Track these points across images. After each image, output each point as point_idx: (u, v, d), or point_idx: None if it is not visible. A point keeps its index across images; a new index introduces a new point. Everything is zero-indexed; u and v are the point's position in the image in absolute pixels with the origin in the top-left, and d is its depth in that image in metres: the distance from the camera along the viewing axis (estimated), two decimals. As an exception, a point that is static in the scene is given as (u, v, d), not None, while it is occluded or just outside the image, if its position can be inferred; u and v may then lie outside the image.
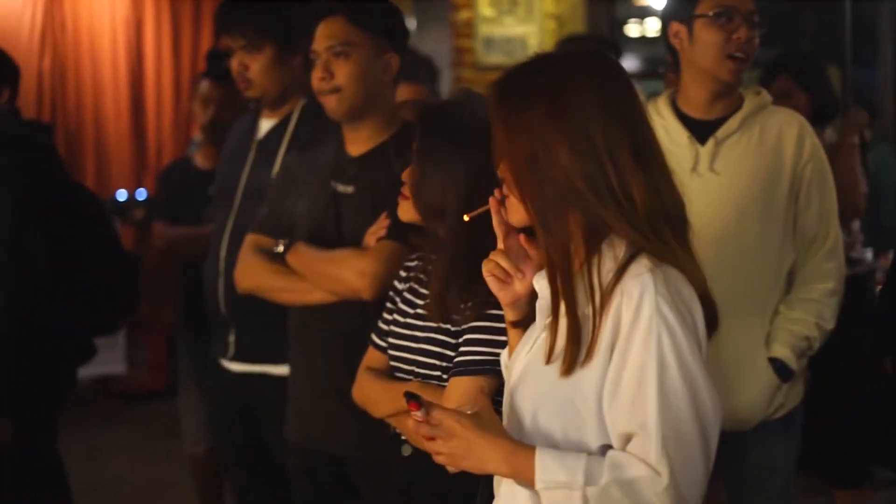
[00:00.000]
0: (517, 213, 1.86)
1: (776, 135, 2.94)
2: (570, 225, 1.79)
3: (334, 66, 2.90)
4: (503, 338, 2.12)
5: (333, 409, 2.85)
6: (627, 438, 1.75)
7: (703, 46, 2.91)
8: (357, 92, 2.89)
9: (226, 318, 3.41)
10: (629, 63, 8.97)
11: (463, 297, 2.28)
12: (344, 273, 2.80)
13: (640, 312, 1.73)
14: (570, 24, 6.92)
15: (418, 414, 1.80)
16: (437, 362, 2.33)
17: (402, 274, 2.55)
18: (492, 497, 1.98)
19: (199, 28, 8.14)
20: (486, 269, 1.95)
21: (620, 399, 1.75)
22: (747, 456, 2.99)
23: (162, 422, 6.43)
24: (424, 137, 2.36)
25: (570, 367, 1.77)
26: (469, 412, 1.83)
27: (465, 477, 1.93)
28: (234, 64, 3.39)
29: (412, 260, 2.54)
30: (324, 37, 2.92)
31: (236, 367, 3.42)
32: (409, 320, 2.43)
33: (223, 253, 3.41)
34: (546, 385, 1.82)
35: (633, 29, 10.08)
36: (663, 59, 3.99)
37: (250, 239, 3.06)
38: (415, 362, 2.38)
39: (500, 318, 2.10)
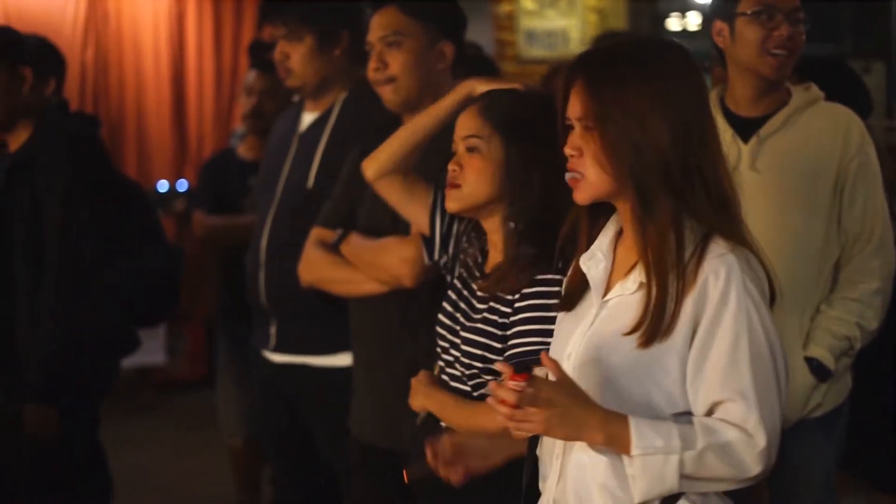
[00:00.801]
0: (590, 190, 1.95)
1: (822, 130, 2.92)
2: (661, 204, 1.90)
3: (388, 55, 2.91)
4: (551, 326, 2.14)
5: (389, 404, 2.85)
6: (714, 406, 1.87)
7: (744, 43, 2.90)
8: (411, 81, 2.90)
9: (266, 310, 3.42)
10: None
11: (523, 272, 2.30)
12: (387, 260, 2.81)
13: (728, 290, 1.86)
14: (612, 18, 6.89)
15: (520, 384, 1.83)
16: (493, 343, 2.32)
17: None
18: (536, 476, 2.02)
19: (241, 20, 8.17)
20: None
21: (710, 370, 1.87)
22: (786, 454, 2.97)
23: (200, 412, 6.47)
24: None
25: (649, 339, 1.88)
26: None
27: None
28: (276, 53, 3.41)
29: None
30: (377, 27, 2.93)
31: (277, 357, 3.43)
32: (461, 303, 2.43)
33: (264, 244, 3.43)
34: (620, 357, 1.91)
35: (674, 23, 10.04)
36: (704, 54, 3.97)
37: (315, 233, 3.08)
38: (468, 342, 2.36)
39: (553, 283, 2.22)
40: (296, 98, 3.70)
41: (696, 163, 1.90)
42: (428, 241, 2.67)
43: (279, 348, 3.41)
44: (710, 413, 1.87)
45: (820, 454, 3.00)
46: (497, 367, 1.88)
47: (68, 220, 3.43)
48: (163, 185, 7.43)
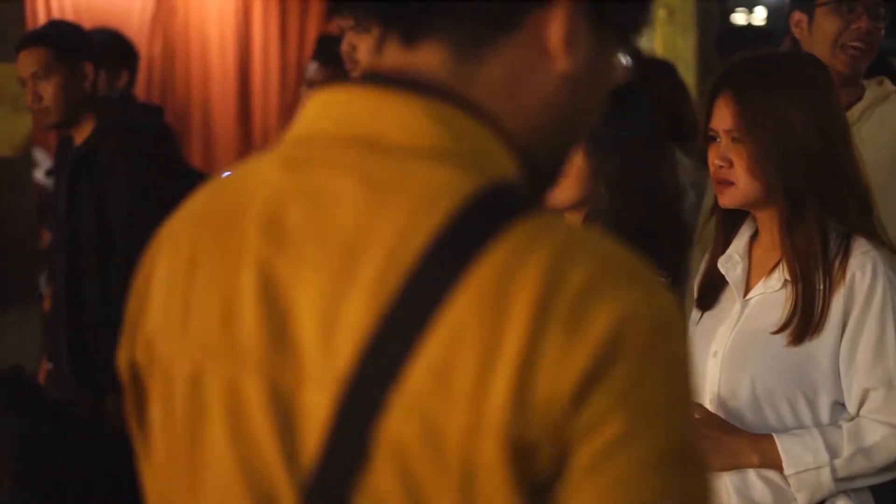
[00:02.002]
0: (740, 198, 2.05)
1: None
2: (809, 207, 2.01)
3: None
4: None
5: None
6: (865, 394, 1.98)
7: (821, 35, 2.85)
8: None
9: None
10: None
11: None
12: None
13: (875, 284, 2.00)
14: (680, 13, 6.83)
15: None
16: None
17: None
18: None
19: (307, 14, 8.19)
20: None
21: (859, 360, 1.98)
22: None
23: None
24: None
25: (800, 336, 1.99)
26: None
27: None
28: (344, 44, 3.40)
29: None
30: None
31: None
32: None
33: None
34: (769, 353, 2.01)
35: (740, 17, 9.94)
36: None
37: None
38: None
39: None
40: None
41: (840, 166, 2.00)
42: None
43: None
44: (862, 402, 1.98)
45: None
46: None
47: (133, 211, 3.46)
48: (228, 178, 7.47)
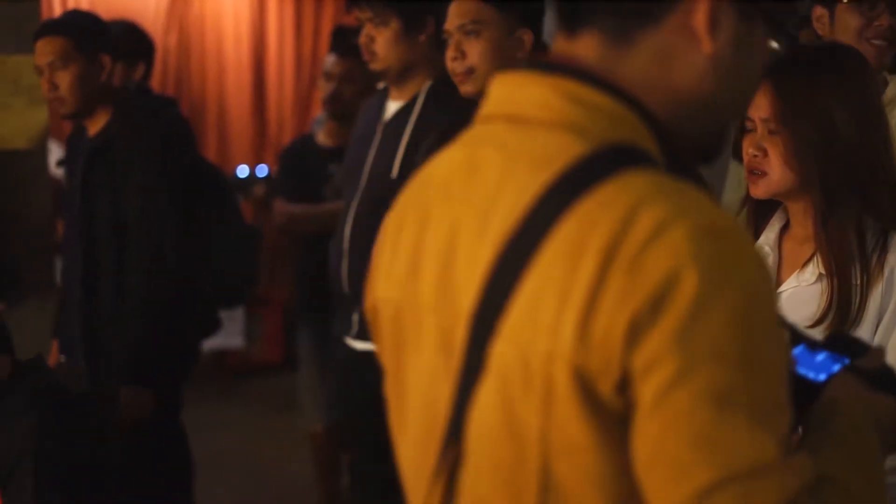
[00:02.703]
0: (773, 188, 2.03)
1: None
2: (846, 200, 1.99)
3: (466, 45, 2.87)
4: None
5: None
6: None
7: (843, 31, 2.84)
8: (489, 71, 2.86)
9: (349, 297, 3.42)
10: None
11: None
12: None
13: None
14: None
15: None
16: None
17: None
18: None
19: (321, 6, 8.18)
20: None
21: (890, 351, 1.91)
22: None
23: (278, 396, 6.51)
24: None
25: (836, 330, 1.96)
26: None
27: None
28: (362, 36, 3.41)
29: None
30: (455, 15, 2.90)
31: (360, 345, 3.43)
32: None
33: (348, 232, 3.42)
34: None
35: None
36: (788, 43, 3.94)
37: None
38: None
39: None
40: (379, 85, 3.68)
41: (878, 161, 1.98)
42: None
43: (361, 335, 3.41)
44: None
45: None
46: None
47: (147, 202, 3.47)
48: (242, 171, 7.46)
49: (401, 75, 3.40)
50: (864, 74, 2.04)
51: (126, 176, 3.48)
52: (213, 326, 3.86)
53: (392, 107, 3.46)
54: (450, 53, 2.90)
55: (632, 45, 1.15)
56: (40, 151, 4.42)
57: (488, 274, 1.11)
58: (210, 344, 4.19)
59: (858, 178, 1.97)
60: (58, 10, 7.07)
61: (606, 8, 1.15)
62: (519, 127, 1.17)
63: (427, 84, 3.38)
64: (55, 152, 5.52)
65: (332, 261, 3.50)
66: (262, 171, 7.43)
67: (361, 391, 3.45)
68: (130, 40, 4.34)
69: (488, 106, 1.24)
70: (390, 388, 1.29)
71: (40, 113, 4.28)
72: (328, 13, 8.13)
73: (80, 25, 3.56)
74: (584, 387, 1.05)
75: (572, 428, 1.06)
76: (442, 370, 1.17)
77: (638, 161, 1.10)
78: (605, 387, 1.05)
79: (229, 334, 6.78)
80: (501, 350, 1.10)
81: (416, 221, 1.23)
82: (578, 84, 1.14)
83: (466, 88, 2.90)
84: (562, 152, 1.11)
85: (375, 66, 3.41)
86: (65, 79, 3.46)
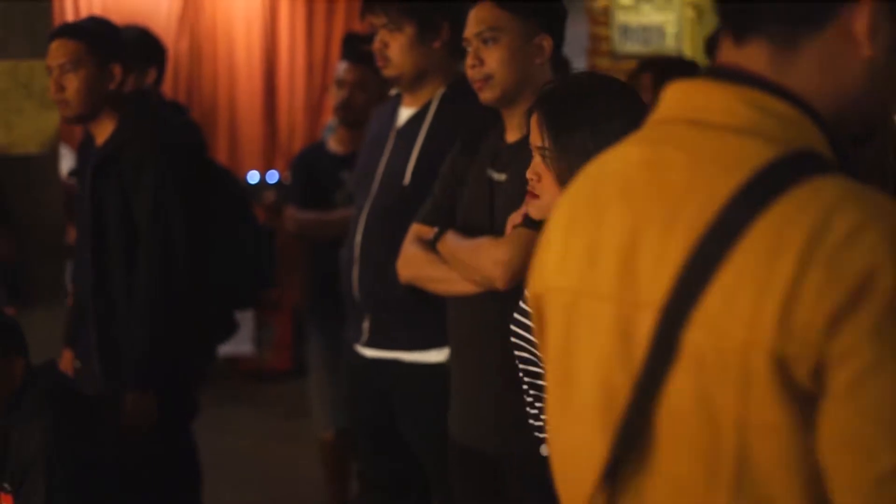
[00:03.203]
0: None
1: None
2: None
3: (484, 52, 2.86)
4: None
5: (481, 402, 2.83)
6: None
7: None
8: (507, 78, 2.85)
9: (360, 304, 3.42)
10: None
11: None
12: (480, 262, 2.78)
13: None
14: (709, 13, 6.79)
15: None
16: None
17: None
18: None
19: (333, 13, 8.20)
20: None
21: None
22: None
23: (288, 402, 6.51)
24: (553, 125, 2.31)
25: None
26: None
27: None
28: (376, 42, 3.39)
29: None
30: (473, 23, 2.89)
31: (370, 352, 3.42)
32: None
33: (359, 239, 3.42)
34: None
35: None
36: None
37: (414, 229, 3.06)
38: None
39: None
40: (392, 92, 3.68)
41: None
42: None
43: (372, 343, 3.40)
44: None
45: None
46: None
47: (158, 207, 3.48)
48: (253, 176, 7.47)
49: (414, 81, 3.39)
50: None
51: (135, 182, 3.49)
52: (231, 329, 3.86)
53: (405, 113, 3.45)
54: (469, 61, 2.89)
55: (797, 51, 1.25)
56: (51, 156, 4.43)
57: (681, 268, 1.21)
58: (221, 349, 4.20)
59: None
60: (70, 15, 7.09)
61: (774, 16, 1.25)
62: (704, 131, 1.26)
63: (440, 91, 3.37)
64: (66, 157, 5.53)
65: (343, 268, 3.50)
66: (273, 176, 7.44)
67: (371, 398, 3.45)
68: (142, 46, 4.35)
69: (665, 109, 1.32)
70: (553, 372, 1.37)
71: (52, 117, 4.28)
72: (339, 19, 8.14)
73: (95, 31, 3.57)
74: (782, 372, 1.15)
75: (768, 410, 1.16)
76: (618, 355, 1.27)
77: (824, 168, 1.20)
78: (801, 372, 1.15)
79: (239, 340, 6.78)
80: (696, 338, 1.19)
81: (590, 215, 1.33)
82: (759, 92, 1.25)
83: (485, 95, 2.89)
84: (752, 156, 1.21)
85: (389, 71, 3.40)
86: (73, 82, 3.47)
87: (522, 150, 2.77)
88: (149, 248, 3.48)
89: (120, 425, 3.38)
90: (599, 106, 2.27)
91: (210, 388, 5.42)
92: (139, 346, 3.44)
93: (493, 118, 2.96)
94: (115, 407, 3.41)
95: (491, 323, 2.81)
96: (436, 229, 2.97)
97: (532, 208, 2.36)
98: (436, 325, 3.10)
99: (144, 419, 3.45)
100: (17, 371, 2.90)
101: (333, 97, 4.78)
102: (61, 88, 3.48)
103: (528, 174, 2.28)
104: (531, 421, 2.41)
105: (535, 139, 2.31)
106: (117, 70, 3.51)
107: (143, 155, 3.50)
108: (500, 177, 2.89)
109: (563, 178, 2.24)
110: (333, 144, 4.80)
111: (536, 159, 2.31)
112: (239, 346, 6.71)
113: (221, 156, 7.78)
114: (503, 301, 2.75)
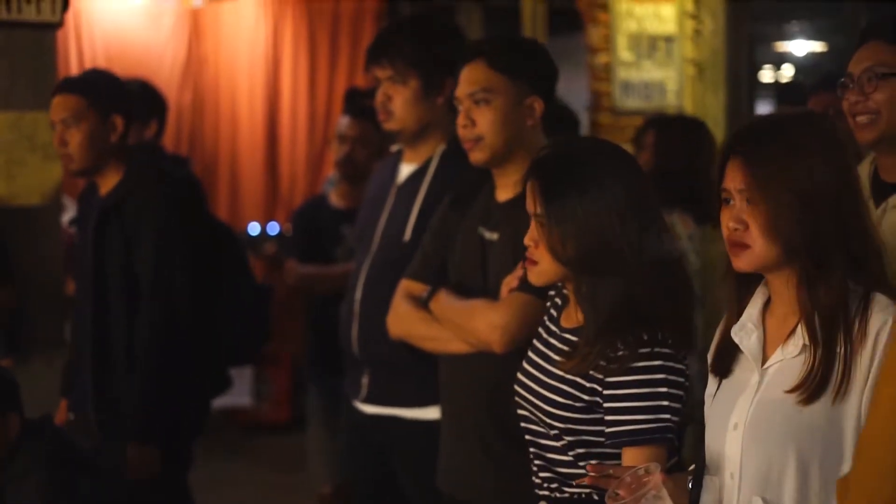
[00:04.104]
0: (756, 261, 1.99)
1: None
2: (835, 268, 1.94)
3: (475, 113, 2.87)
4: (664, 402, 2.20)
5: (475, 458, 2.82)
6: None
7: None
8: (498, 140, 2.87)
9: (359, 360, 3.41)
10: (763, 108, 8.83)
11: (610, 348, 2.24)
12: (476, 325, 2.78)
13: None
14: (710, 70, 6.83)
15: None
16: (570, 402, 2.29)
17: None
18: None
19: (335, 67, 8.24)
20: None
21: None
22: None
23: (285, 455, 6.47)
24: (545, 193, 2.32)
25: (812, 395, 1.92)
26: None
27: None
28: (379, 94, 3.39)
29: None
30: (465, 82, 2.90)
31: (369, 408, 3.41)
32: (539, 360, 2.39)
33: (358, 295, 3.41)
34: (795, 424, 1.93)
35: (767, 75, 9.95)
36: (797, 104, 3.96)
37: (404, 285, 3.06)
38: (543, 399, 2.34)
39: (652, 370, 2.20)
40: (393, 148, 3.69)
41: (860, 223, 1.96)
42: None
43: (371, 399, 3.39)
44: None
45: None
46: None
47: (160, 261, 3.48)
48: (254, 228, 7.49)
49: (416, 136, 3.39)
50: (833, 136, 2.02)
51: (138, 235, 3.50)
52: (224, 384, 3.85)
53: (405, 170, 3.45)
54: (460, 121, 2.90)
55: None
56: (53, 207, 4.44)
57: None
58: (218, 402, 4.18)
59: (849, 239, 1.94)
60: (74, 67, 7.13)
61: None
62: None
63: (441, 147, 3.38)
64: (68, 208, 5.53)
65: (342, 323, 3.49)
66: (274, 228, 7.46)
67: (370, 454, 3.44)
68: (144, 98, 4.38)
69: None
70: None
71: (55, 169, 4.29)
72: (342, 73, 8.18)
73: (97, 85, 3.60)
74: None
75: None
76: None
77: None
78: None
79: (238, 392, 6.75)
80: None
81: None
82: None
83: (475, 156, 2.89)
84: None
85: (391, 125, 3.40)
86: (75, 136, 3.49)
87: (514, 210, 2.78)
88: (151, 303, 3.48)
89: (118, 478, 3.36)
90: (590, 173, 2.28)
91: (208, 441, 5.40)
92: (143, 397, 3.44)
93: (486, 175, 2.97)
94: (112, 460, 3.39)
95: (486, 381, 2.80)
96: (426, 287, 2.97)
97: (531, 274, 2.36)
98: (434, 382, 3.09)
99: (147, 470, 3.44)
100: (12, 427, 2.89)
101: (335, 151, 4.79)
102: (64, 143, 3.51)
103: (526, 240, 2.31)
104: (533, 478, 2.40)
105: (531, 206, 2.33)
106: (119, 121, 3.53)
107: (146, 208, 3.51)
108: (491, 236, 2.89)
109: (555, 246, 2.26)
110: (335, 199, 4.81)
111: (533, 225, 2.32)
112: (237, 398, 6.69)
113: (223, 207, 7.80)
114: (501, 359, 2.74)
